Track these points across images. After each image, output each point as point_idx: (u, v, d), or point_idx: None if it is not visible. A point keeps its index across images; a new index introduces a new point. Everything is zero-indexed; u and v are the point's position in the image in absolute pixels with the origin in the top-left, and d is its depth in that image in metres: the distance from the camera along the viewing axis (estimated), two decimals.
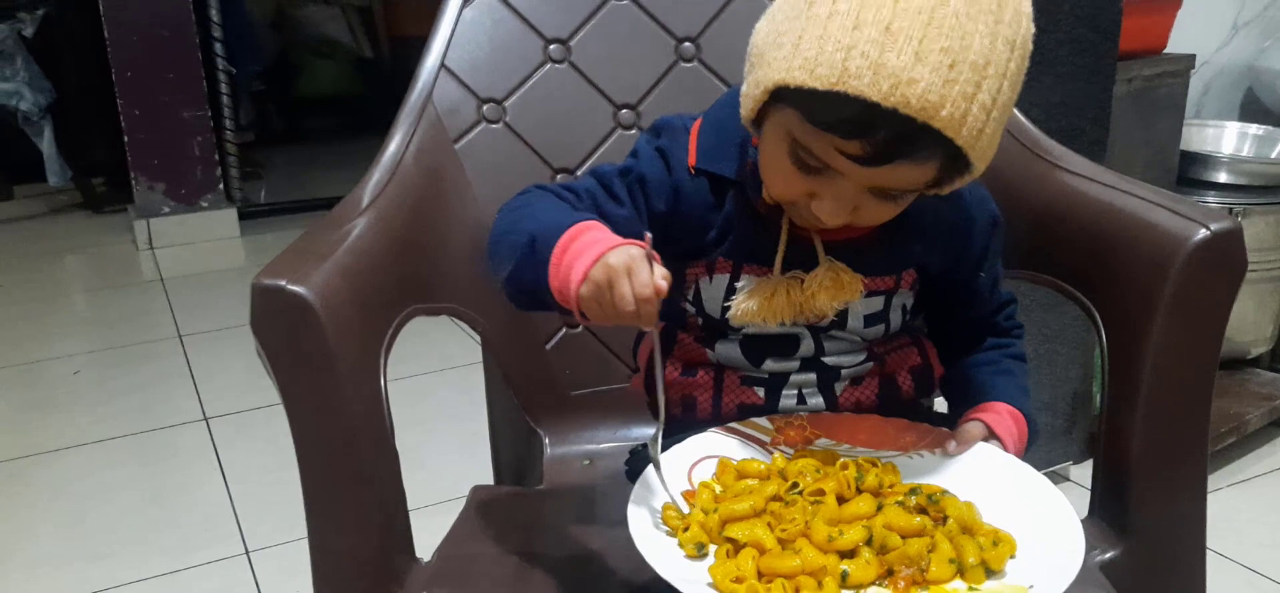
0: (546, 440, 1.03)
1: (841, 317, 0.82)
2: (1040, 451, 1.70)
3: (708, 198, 0.81)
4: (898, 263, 0.83)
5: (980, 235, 0.85)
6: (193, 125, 3.49)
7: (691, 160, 0.81)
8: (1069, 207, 0.92)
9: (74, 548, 1.71)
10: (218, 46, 3.61)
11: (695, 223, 0.82)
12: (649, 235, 0.69)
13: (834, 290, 0.79)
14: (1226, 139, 2.08)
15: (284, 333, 0.72)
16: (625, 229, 0.80)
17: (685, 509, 0.73)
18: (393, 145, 0.96)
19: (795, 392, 0.85)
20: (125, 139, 3.43)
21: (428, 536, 0.86)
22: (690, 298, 0.85)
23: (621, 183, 0.82)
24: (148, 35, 3.35)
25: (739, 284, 0.81)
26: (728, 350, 0.85)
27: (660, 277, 0.67)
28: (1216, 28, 2.27)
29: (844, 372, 0.85)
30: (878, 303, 0.83)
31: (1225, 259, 0.82)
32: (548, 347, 1.03)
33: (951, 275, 0.85)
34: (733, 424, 0.84)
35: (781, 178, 0.73)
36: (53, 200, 4.19)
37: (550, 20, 1.04)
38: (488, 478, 1.11)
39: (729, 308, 0.81)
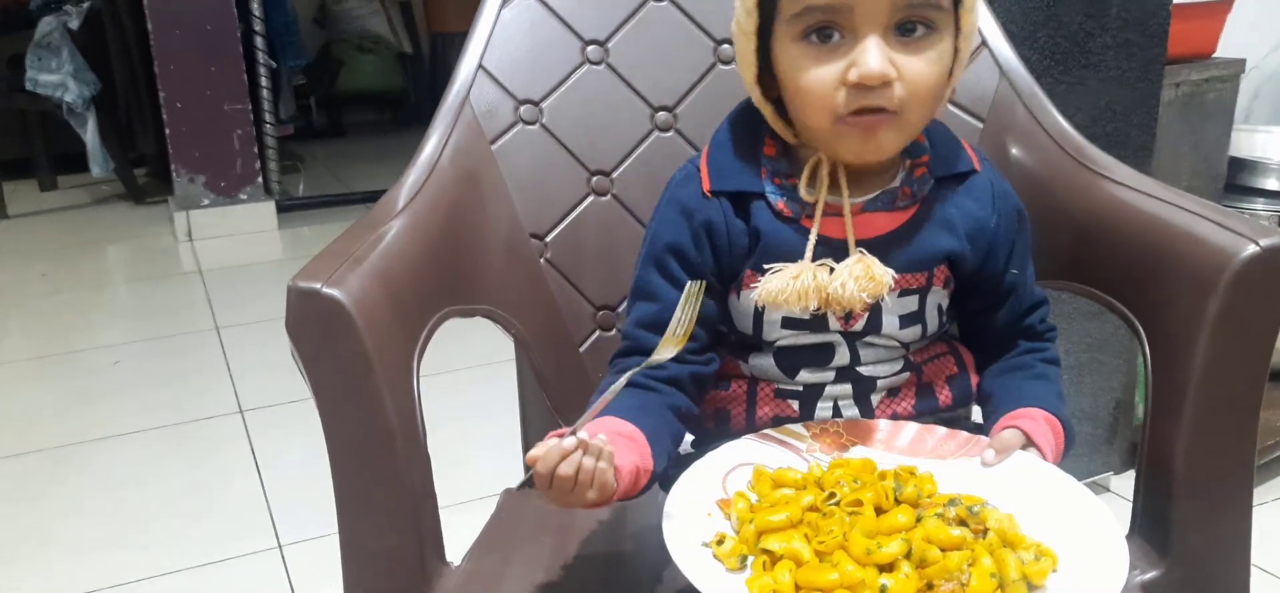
0: None
1: (876, 320, 0.81)
2: (1081, 460, 1.67)
3: (734, 220, 0.80)
4: (928, 259, 0.81)
5: (1006, 228, 0.84)
6: (233, 118, 3.54)
7: (706, 187, 0.81)
8: (1114, 218, 0.91)
9: (113, 536, 1.73)
10: (259, 40, 3.65)
11: (732, 249, 0.81)
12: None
13: (863, 281, 0.77)
14: (1276, 145, 2.04)
15: (319, 336, 0.73)
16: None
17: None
18: (429, 146, 0.96)
19: (831, 404, 0.84)
20: (166, 131, 3.47)
21: (457, 534, 0.86)
22: (720, 318, 0.84)
23: (661, 280, 0.82)
24: (191, 29, 3.39)
25: (767, 267, 0.80)
26: (761, 362, 0.84)
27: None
28: (1267, 32, 2.23)
29: (880, 382, 0.84)
30: (912, 303, 0.82)
31: (1275, 276, 0.79)
32: (582, 349, 1.02)
33: (981, 273, 0.84)
34: (768, 431, 0.83)
35: (813, 81, 0.74)
36: (95, 191, 4.27)
37: (588, 21, 1.04)
38: (519, 478, 1.11)
39: (755, 293, 0.79)
